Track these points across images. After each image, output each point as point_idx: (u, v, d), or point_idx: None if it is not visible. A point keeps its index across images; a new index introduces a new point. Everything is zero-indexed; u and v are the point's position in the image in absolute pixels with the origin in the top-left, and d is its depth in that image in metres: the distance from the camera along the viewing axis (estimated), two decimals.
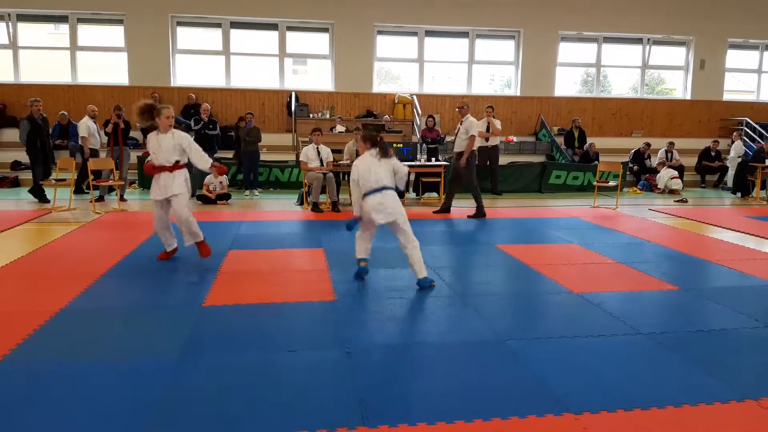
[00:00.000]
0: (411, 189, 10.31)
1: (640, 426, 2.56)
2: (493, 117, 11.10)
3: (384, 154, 4.66)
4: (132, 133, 10.85)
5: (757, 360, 3.34)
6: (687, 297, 4.58)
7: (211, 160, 5.32)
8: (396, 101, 14.07)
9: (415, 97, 13.57)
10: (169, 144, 5.11)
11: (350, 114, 13.86)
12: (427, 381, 2.97)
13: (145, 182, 10.79)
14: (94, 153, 9.72)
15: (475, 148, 8.16)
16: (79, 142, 9.80)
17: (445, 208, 8.50)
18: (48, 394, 2.75)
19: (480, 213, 8.17)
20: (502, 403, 2.72)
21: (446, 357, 3.29)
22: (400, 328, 3.87)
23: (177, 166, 5.18)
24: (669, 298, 4.57)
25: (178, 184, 5.15)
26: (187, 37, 13.73)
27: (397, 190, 4.71)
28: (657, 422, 2.59)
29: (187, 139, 5.22)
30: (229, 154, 11.40)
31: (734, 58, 15.54)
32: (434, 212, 8.46)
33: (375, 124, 13.02)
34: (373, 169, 4.61)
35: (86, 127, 9.62)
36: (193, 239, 5.30)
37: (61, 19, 13.17)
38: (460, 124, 8.22)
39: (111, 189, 9.70)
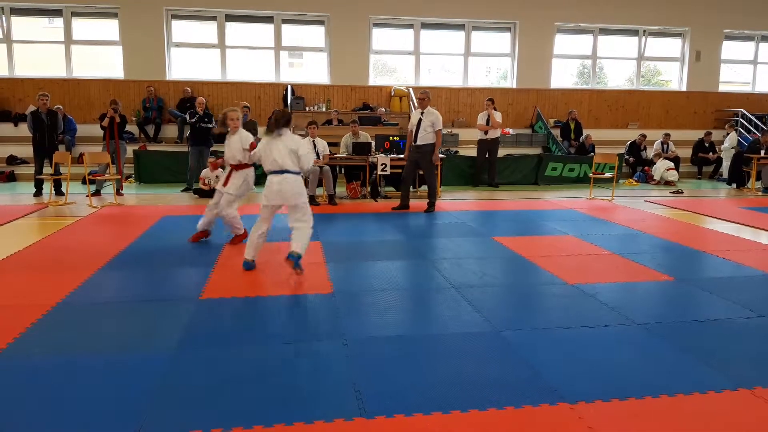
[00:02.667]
0: None
1: (635, 415, 2.58)
2: (494, 109, 11.09)
3: (276, 126, 4.66)
4: (128, 127, 10.81)
5: (750, 349, 3.36)
6: (682, 287, 4.61)
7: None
8: (392, 94, 14.04)
9: (411, 89, 13.54)
10: (234, 143, 5.59)
11: (347, 107, 13.83)
12: (423, 372, 2.99)
13: (142, 177, 10.78)
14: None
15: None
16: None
17: (404, 205, 8.29)
18: (45, 387, 2.76)
19: (403, 206, 8.26)
20: (497, 393, 2.75)
21: (442, 348, 3.31)
22: (396, 320, 3.89)
23: (240, 165, 5.64)
24: (664, 288, 4.60)
25: (232, 184, 5.67)
26: (182, 30, 13.65)
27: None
28: (651, 411, 2.62)
29: (246, 138, 5.61)
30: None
31: (730, 49, 15.53)
32: (393, 209, 8.24)
33: (371, 116, 13.01)
34: (273, 150, 4.67)
35: None
36: (233, 232, 5.90)
37: (55, 12, 13.08)
38: (421, 115, 7.97)
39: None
